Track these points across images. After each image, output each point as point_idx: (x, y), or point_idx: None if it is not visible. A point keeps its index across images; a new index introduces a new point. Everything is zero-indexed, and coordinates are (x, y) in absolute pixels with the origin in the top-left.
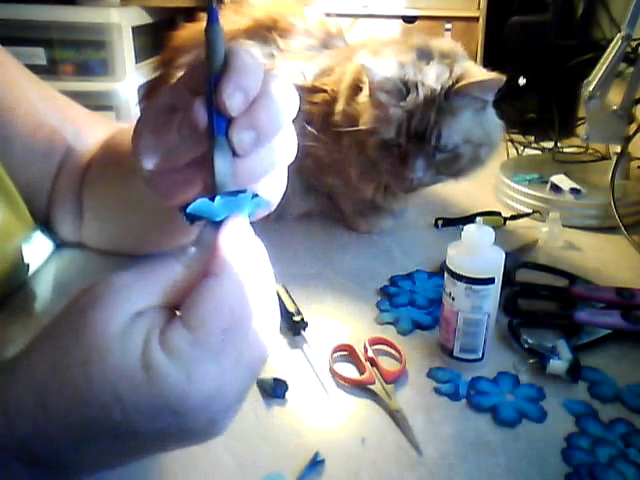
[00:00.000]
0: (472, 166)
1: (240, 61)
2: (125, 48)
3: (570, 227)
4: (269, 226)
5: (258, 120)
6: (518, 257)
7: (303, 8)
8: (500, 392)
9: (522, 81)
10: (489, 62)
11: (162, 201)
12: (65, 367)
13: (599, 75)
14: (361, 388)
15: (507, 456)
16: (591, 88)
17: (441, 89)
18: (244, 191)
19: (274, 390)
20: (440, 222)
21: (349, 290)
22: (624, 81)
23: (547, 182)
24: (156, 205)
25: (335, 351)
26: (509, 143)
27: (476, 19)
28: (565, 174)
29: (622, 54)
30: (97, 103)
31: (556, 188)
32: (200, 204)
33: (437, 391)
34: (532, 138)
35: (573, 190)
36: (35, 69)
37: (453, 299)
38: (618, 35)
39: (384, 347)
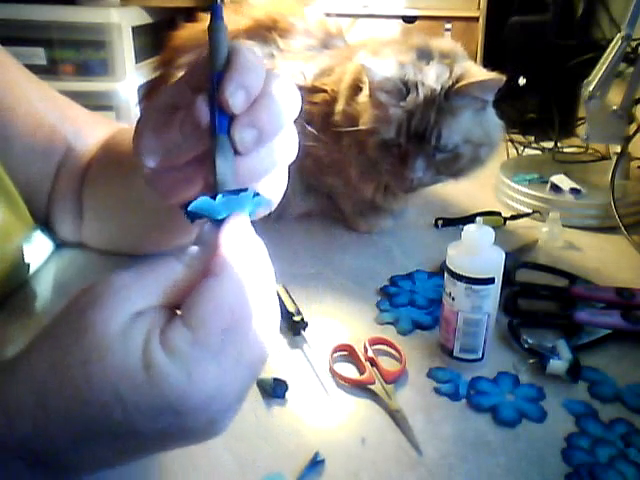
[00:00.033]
0: (472, 166)
1: (243, 59)
2: (125, 48)
3: (570, 227)
4: (269, 226)
5: (260, 119)
6: (518, 257)
7: (303, 8)
8: (500, 392)
9: (522, 81)
10: (489, 62)
11: (162, 200)
12: (65, 367)
13: (599, 75)
14: (361, 388)
15: (507, 456)
16: (591, 88)
17: (441, 89)
18: (245, 190)
19: (274, 390)
20: (440, 222)
21: (349, 290)
22: (624, 81)
23: (547, 182)
24: (156, 205)
25: (335, 351)
26: (509, 143)
27: (476, 19)
28: (565, 174)
29: (622, 54)
30: (97, 103)
31: (556, 188)
32: (201, 202)
33: (437, 391)
34: (532, 138)
35: (573, 190)
36: (35, 69)
37: (453, 299)
38: (618, 35)
39: (384, 347)
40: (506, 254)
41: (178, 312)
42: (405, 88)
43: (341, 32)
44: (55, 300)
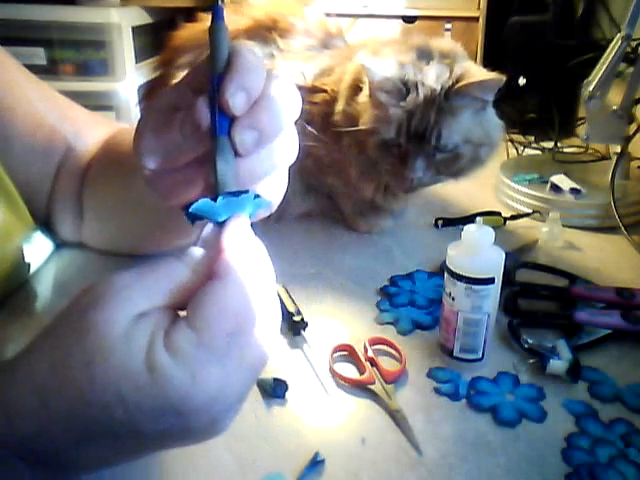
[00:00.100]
0: (472, 166)
1: (243, 60)
2: (125, 48)
3: (570, 227)
4: (269, 226)
5: (260, 120)
6: (518, 257)
7: (303, 8)
8: (500, 392)
9: (522, 81)
10: (489, 62)
11: (162, 201)
12: (67, 368)
13: (599, 75)
14: (361, 388)
15: (507, 456)
16: (591, 88)
17: (441, 89)
18: (246, 191)
19: (274, 390)
20: (440, 222)
21: (349, 290)
22: (624, 81)
23: (547, 182)
24: (156, 205)
25: (335, 351)
26: (509, 143)
27: (476, 19)
28: (565, 174)
29: (622, 54)
30: (97, 103)
31: (556, 188)
32: (202, 204)
33: (437, 391)
34: (532, 138)
35: (573, 190)
36: (35, 69)
37: (453, 299)
38: (618, 35)
39: (384, 347)
40: (506, 254)
41: (180, 313)
42: (405, 88)
43: (341, 32)
44: (55, 300)
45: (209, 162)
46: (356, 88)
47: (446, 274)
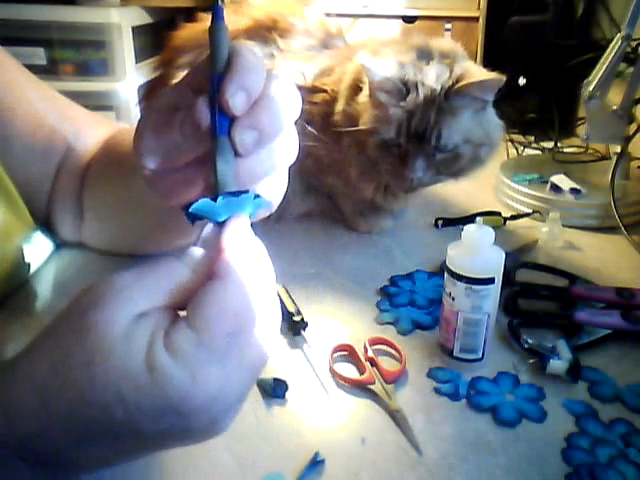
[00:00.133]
0: (472, 166)
1: (243, 60)
2: (125, 48)
3: (570, 227)
4: (269, 226)
5: (260, 120)
6: (518, 257)
7: (303, 8)
8: (500, 392)
9: (522, 81)
10: (489, 62)
11: (162, 201)
12: (67, 368)
13: (599, 75)
14: (361, 388)
15: (507, 456)
16: (591, 88)
17: (441, 89)
18: (246, 191)
19: (274, 390)
20: (440, 222)
21: (349, 290)
22: (624, 81)
23: (547, 182)
24: (156, 205)
25: (335, 351)
26: (509, 143)
27: (476, 19)
28: (565, 174)
29: (622, 54)
30: (97, 103)
31: (556, 188)
32: (202, 204)
33: (437, 391)
34: (532, 138)
35: (573, 190)
36: (35, 69)
37: (453, 299)
38: (618, 35)
39: (384, 347)
40: (506, 254)
41: (180, 313)
42: (405, 88)
43: (341, 32)
44: (55, 300)
45: (209, 162)
46: (356, 88)
47: (446, 274)
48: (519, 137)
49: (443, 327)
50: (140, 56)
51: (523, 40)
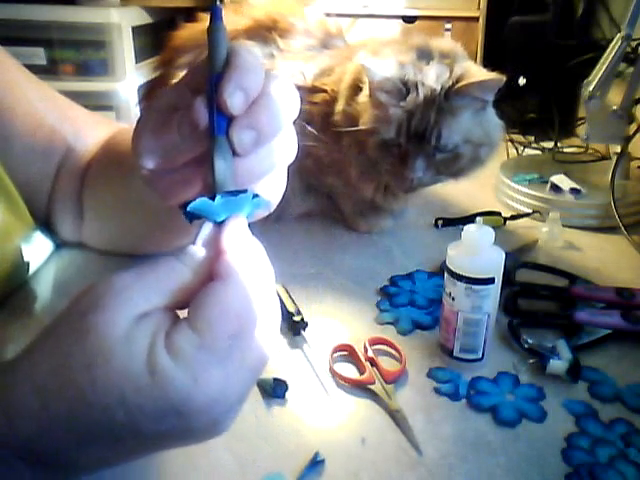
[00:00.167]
0: (472, 166)
1: (242, 60)
2: (125, 48)
3: (570, 227)
4: (269, 226)
5: (259, 120)
6: (518, 257)
7: (303, 8)
8: (500, 392)
9: (522, 81)
10: (489, 62)
11: (162, 201)
12: (67, 369)
13: (599, 75)
14: (361, 388)
15: (507, 456)
16: (591, 88)
17: (441, 89)
18: (244, 191)
19: (274, 390)
20: (440, 222)
21: (349, 290)
22: (624, 81)
23: (547, 182)
24: (156, 205)
25: (335, 351)
26: (509, 143)
27: (476, 19)
28: (565, 174)
29: (622, 54)
30: (97, 103)
31: (556, 188)
32: (200, 203)
33: (437, 391)
34: (532, 138)
35: (573, 190)
36: (35, 69)
37: (453, 299)
38: (618, 35)
39: (384, 347)
40: (506, 254)
41: (180, 314)
42: (405, 88)
43: (341, 32)
44: (55, 300)
45: (207, 162)
46: (356, 88)
47: (446, 274)
48: (519, 137)
49: (443, 327)
50: (140, 56)
51: (523, 40)
